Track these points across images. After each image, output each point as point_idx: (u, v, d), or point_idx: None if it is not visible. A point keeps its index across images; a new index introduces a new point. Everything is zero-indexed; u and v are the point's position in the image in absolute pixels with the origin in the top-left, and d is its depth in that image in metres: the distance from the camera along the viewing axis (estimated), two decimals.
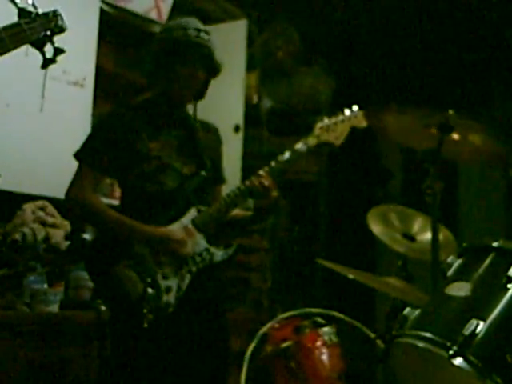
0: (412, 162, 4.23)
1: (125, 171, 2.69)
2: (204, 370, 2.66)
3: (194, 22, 2.74)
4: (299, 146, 2.76)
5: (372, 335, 3.11)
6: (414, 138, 2.69)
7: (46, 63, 2.13)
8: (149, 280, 2.56)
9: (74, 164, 2.70)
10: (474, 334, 1.99)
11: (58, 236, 3.50)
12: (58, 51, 2.13)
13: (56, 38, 2.13)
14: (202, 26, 2.73)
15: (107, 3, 4.07)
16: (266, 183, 2.66)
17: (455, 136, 2.61)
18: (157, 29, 4.29)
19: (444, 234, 3.01)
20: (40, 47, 2.11)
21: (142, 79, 2.81)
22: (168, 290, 2.58)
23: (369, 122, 2.79)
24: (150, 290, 2.53)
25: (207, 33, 2.72)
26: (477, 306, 2.08)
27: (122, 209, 2.71)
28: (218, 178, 2.91)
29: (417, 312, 2.20)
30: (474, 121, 2.58)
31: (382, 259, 4.24)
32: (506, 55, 4.56)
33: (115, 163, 2.67)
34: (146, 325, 2.50)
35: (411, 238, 3.09)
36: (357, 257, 3.85)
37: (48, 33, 2.10)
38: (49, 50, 2.13)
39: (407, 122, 2.66)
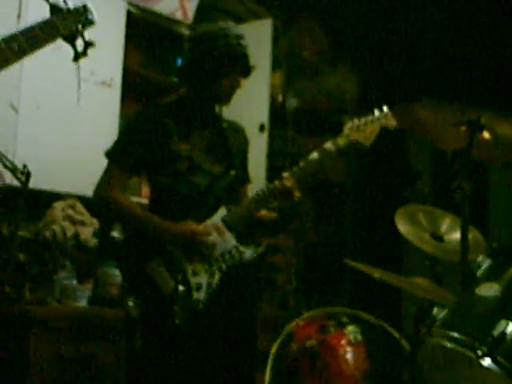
0: (441, 162, 4.21)
1: (155, 171, 2.72)
2: (232, 369, 2.69)
3: (233, 28, 2.77)
4: (328, 145, 2.77)
5: (397, 335, 3.11)
6: (444, 136, 2.66)
7: (78, 56, 2.17)
8: (179, 277, 2.59)
9: (103, 163, 2.73)
10: (503, 335, 1.99)
11: (87, 233, 3.54)
12: (89, 44, 2.18)
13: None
14: (238, 32, 2.76)
15: (133, 4, 4.12)
16: (289, 184, 2.67)
17: (486, 135, 2.57)
18: (183, 29, 4.33)
19: (473, 235, 2.99)
20: (72, 41, 2.16)
21: (168, 79, 2.83)
22: (198, 287, 2.61)
23: (398, 120, 2.78)
24: (181, 287, 2.56)
25: (243, 38, 2.75)
26: (506, 307, 2.08)
27: (153, 208, 2.74)
28: (245, 178, 2.93)
29: (445, 312, 2.20)
30: (505, 119, 2.55)
31: (410, 259, 4.23)
32: None
33: (145, 163, 2.70)
34: (177, 321, 2.53)
35: (439, 239, 3.08)
36: (384, 257, 3.85)
37: (79, 27, 2.15)
38: (79, 44, 2.18)
39: (437, 119, 2.63)
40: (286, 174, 2.71)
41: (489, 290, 2.13)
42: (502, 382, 1.98)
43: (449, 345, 2.07)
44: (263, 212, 2.80)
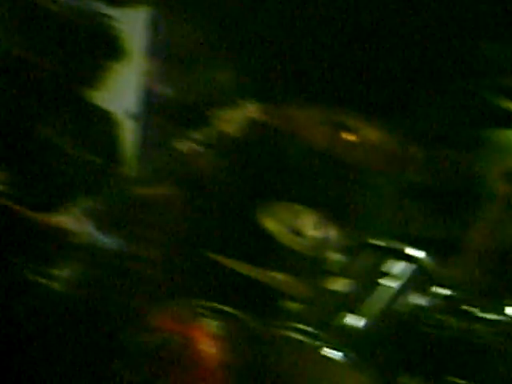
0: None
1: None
2: (90, 360, 2.65)
3: (105, 9, 2.72)
4: (197, 136, 2.77)
5: (259, 327, 3.14)
6: (313, 135, 2.71)
7: None
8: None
9: None
10: (348, 327, 2.06)
11: None
12: None
13: None
14: (107, 10, 2.72)
15: None
16: None
17: (351, 137, 2.63)
18: (54, 6, 4.22)
19: (332, 231, 3.07)
20: None
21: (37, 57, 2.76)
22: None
23: (268, 116, 2.81)
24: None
25: (116, 20, 2.71)
26: (353, 301, 2.15)
27: None
28: (114, 163, 2.90)
29: (296, 305, 2.26)
30: (371, 120, 2.62)
31: (273, 254, 4.28)
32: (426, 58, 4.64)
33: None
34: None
35: (298, 233, 3.14)
36: (247, 251, 3.88)
37: None
38: None
39: (306, 118, 2.68)
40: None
41: (337, 284, 2.20)
42: (345, 371, 2.05)
43: (296, 336, 2.12)
44: None
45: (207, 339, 3.14)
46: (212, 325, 3.11)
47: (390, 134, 2.68)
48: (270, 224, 3.13)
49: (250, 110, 2.85)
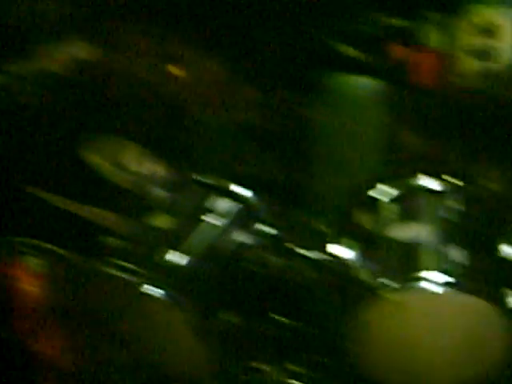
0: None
1: None
2: None
3: None
4: (16, 69, 2.63)
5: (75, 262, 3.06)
6: (140, 68, 2.63)
7: None
8: None
9: None
10: (169, 264, 2.03)
11: None
12: None
13: None
14: None
15: None
16: None
17: (182, 69, 2.56)
18: None
19: (158, 167, 3.02)
20: None
21: None
22: None
23: (95, 51, 2.71)
24: None
25: None
26: (175, 237, 2.11)
27: None
28: None
29: (117, 241, 2.20)
30: (204, 55, 2.57)
31: (95, 189, 4.18)
32: None
33: None
34: None
35: (124, 168, 3.07)
36: (69, 186, 3.76)
37: None
38: None
39: (134, 50, 2.59)
40: None
41: (160, 219, 2.16)
42: (166, 308, 2.01)
43: (117, 273, 2.06)
44: None
45: (28, 277, 3.04)
46: (32, 262, 3.00)
47: (224, 71, 2.63)
48: (93, 158, 3.03)
49: (76, 47, 2.72)
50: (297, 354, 2.14)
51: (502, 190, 4.30)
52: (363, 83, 4.57)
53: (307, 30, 4.49)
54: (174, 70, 2.53)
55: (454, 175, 2.53)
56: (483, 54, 4.41)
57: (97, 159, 3.02)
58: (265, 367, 2.14)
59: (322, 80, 4.50)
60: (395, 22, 4.41)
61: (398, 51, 4.47)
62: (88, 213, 2.80)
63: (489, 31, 4.44)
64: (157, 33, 2.55)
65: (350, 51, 4.36)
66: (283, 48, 4.58)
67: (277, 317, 2.20)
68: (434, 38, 4.48)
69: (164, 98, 2.59)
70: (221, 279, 2.10)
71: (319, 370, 2.17)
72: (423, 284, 1.92)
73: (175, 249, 2.07)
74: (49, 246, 3.14)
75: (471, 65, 4.43)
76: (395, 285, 1.93)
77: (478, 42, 4.42)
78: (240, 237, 2.13)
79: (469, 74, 4.38)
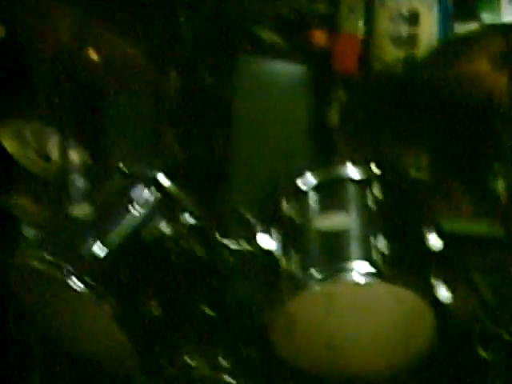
0: None
1: None
2: None
3: None
4: None
5: None
6: (58, 50, 2.51)
7: None
8: None
9: None
10: (91, 254, 1.98)
11: None
12: None
13: None
14: None
15: None
16: None
17: (93, 55, 2.47)
18: None
19: (80, 156, 2.96)
20: None
21: None
22: None
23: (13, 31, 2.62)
24: None
25: None
26: (97, 227, 2.07)
27: None
28: None
29: (38, 233, 2.14)
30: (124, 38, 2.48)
31: (15, 177, 4.07)
32: None
33: None
34: None
35: (47, 158, 2.99)
36: None
37: None
38: None
39: (50, 30, 2.48)
40: None
41: (81, 210, 2.10)
42: (90, 302, 1.97)
43: (38, 265, 2.00)
44: None
45: None
46: None
47: (143, 55, 2.57)
48: (12, 145, 2.95)
49: None
50: (221, 346, 2.13)
51: (429, 179, 4.38)
52: (284, 68, 4.57)
53: (228, 15, 4.46)
54: (91, 54, 2.45)
55: (379, 164, 2.55)
56: (404, 41, 4.46)
57: (15, 146, 2.94)
58: (191, 360, 2.12)
59: (242, 65, 4.48)
60: (317, 7, 4.42)
61: (319, 37, 4.48)
62: (6, 202, 2.73)
63: (409, 18, 4.49)
64: (74, 16, 2.46)
65: (271, 36, 4.36)
66: (203, 32, 4.55)
67: (201, 307, 2.18)
68: (355, 24, 4.51)
69: (82, 82, 2.51)
70: (142, 270, 2.06)
71: (244, 362, 2.16)
72: (349, 274, 1.92)
73: (97, 239, 2.02)
74: None
75: (392, 51, 4.48)
76: (321, 275, 1.92)
77: (399, 28, 4.48)
78: (162, 226, 2.09)
79: (390, 61, 4.43)
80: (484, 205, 4.24)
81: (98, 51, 2.41)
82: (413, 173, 4.37)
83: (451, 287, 2.03)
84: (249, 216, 2.28)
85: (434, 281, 2.00)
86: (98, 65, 2.47)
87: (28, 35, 2.59)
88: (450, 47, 2.49)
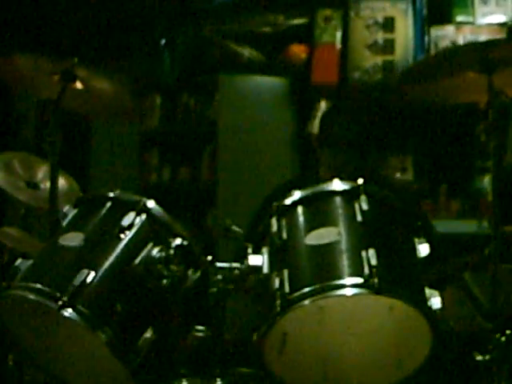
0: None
1: None
2: None
3: None
4: None
5: None
6: (41, 86, 2.59)
7: None
8: None
9: None
10: (84, 284, 1.99)
11: None
12: None
13: None
14: None
15: None
16: None
17: (79, 86, 2.54)
18: None
19: (69, 184, 2.97)
20: None
21: None
22: None
23: None
24: None
25: None
26: (89, 256, 2.07)
27: None
28: None
29: (29, 263, 2.14)
30: (100, 70, 2.56)
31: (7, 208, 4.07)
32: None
33: None
34: None
35: (35, 186, 3.01)
36: None
37: None
38: None
39: (33, 70, 2.56)
40: None
41: (72, 239, 2.11)
42: (85, 331, 1.98)
43: (31, 296, 2.01)
44: None
45: None
46: None
47: (120, 85, 2.63)
48: (3, 177, 2.97)
49: None
50: (215, 366, 2.12)
51: (414, 180, 4.37)
52: (265, 83, 4.59)
53: (205, 34, 4.50)
54: (74, 85, 2.51)
55: (363, 171, 2.52)
56: (380, 47, 4.49)
57: (4, 176, 2.95)
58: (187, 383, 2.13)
59: (224, 82, 4.50)
60: (292, 21, 4.46)
61: (297, 50, 4.51)
62: None
63: (384, 24, 4.52)
64: (54, 53, 2.52)
65: (251, 52, 4.39)
66: (184, 53, 4.58)
67: (193, 329, 2.19)
68: (332, 35, 4.54)
69: (68, 113, 2.55)
70: (135, 295, 2.07)
71: (237, 380, 2.16)
72: (340, 288, 1.91)
73: (86, 267, 2.02)
74: None
75: (370, 58, 4.51)
76: (312, 290, 1.92)
77: (375, 35, 4.50)
78: (152, 252, 2.09)
79: (367, 68, 4.45)
80: (471, 204, 4.28)
81: (82, 82, 2.49)
82: (398, 175, 4.40)
83: (442, 291, 2.03)
84: (237, 234, 2.29)
85: (426, 290, 1.99)
86: (83, 95, 2.54)
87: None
88: (426, 65, 2.56)
